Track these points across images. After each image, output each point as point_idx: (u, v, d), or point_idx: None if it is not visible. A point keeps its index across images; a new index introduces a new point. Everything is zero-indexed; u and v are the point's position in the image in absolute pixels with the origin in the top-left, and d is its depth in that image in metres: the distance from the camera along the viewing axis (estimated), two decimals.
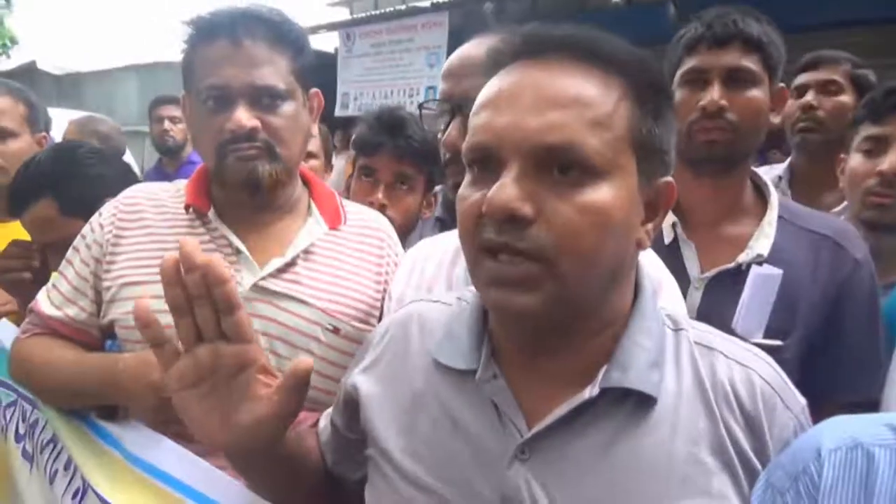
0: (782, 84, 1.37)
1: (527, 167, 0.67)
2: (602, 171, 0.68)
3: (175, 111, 4.08)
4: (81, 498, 1.16)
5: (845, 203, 1.99)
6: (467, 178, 0.74)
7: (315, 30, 7.98)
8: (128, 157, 3.28)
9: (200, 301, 0.68)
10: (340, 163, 7.46)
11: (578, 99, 0.68)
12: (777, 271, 1.23)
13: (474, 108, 0.75)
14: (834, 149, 1.93)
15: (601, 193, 0.67)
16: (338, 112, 7.89)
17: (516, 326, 0.75)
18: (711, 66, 1.31)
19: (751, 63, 1.30)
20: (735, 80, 1.30)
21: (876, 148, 1.54)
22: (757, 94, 1.31)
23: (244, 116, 1.14)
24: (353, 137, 1.87)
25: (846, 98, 2.10)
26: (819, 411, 0.79)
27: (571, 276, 0.67)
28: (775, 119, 1.37)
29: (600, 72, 0.70)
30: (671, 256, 1.27)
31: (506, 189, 0.66)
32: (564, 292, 0.68)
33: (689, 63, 1.34)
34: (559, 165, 0.67)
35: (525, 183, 0.67)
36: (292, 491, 0.91)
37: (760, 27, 1.31)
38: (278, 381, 0.74)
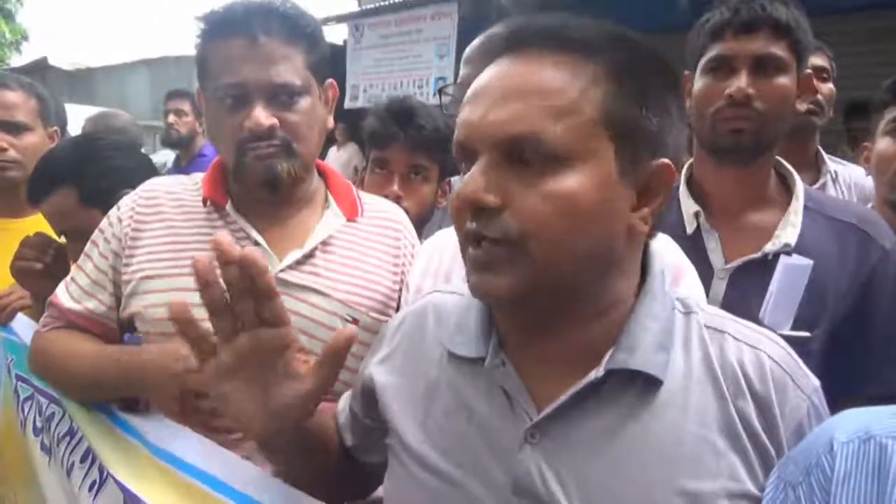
0: (809, 70, 1.33)
1: (494, 158, 0.70)
2: (566, 158, 0.68)
3: (181, 104, 4.11)
4: (98, 491, 1.17)
5: (818, 184, 2.07)
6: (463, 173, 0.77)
7: (324, 22, 7.97)
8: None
9: (240, 294, 0.70)
10: (344, 156, 7.48)
11: (539, 89, 0.69)
12: (807, 261, 1.21)
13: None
14: (811, 130, 2.15)
15: (568, 181, 0.68)
16: (347, 104, 7.89)
17: (498, 309, 0.78)
18: (738, 53, 1.27)
19: (779, 50, 1.26)
20: (763, 67, 1.26)
21: None
22: (784, 81, 1.28)
23: (262, 115, 1.14)
24: (364, 130, 1.85)
25: (831, 85, 2.25)
26: (847, 404, 0.77)
27: (543, 261, 0.69)
28: (801, 106, 1.33)
29: (572, 58, 0.71)
30: (694, 247, 1.25)
31: (471, 180, 0.70)
32: (537, 276, 0.69)
33: (715, 50, 1.30)
34: (524, 155, 0.69)
35: (492, 174, 0.70)
36: (315, 471, 0.93)
37: (788, 11, 1.27)
38: (316, 357, 0.76)
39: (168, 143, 4.24)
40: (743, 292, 1.25)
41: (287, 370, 0.74)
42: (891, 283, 1.28)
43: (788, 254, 1.25)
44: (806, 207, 1.31)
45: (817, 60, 2.17)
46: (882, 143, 1.57)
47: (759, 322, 1.17)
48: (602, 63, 0.71)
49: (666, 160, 0.73)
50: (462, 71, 1.14)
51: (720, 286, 1.29)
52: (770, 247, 1.27)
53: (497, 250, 0.69)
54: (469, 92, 0.75)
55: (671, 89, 0.76)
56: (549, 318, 0.75)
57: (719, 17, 1.30)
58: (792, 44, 1.27)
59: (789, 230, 1.28)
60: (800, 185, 1.34)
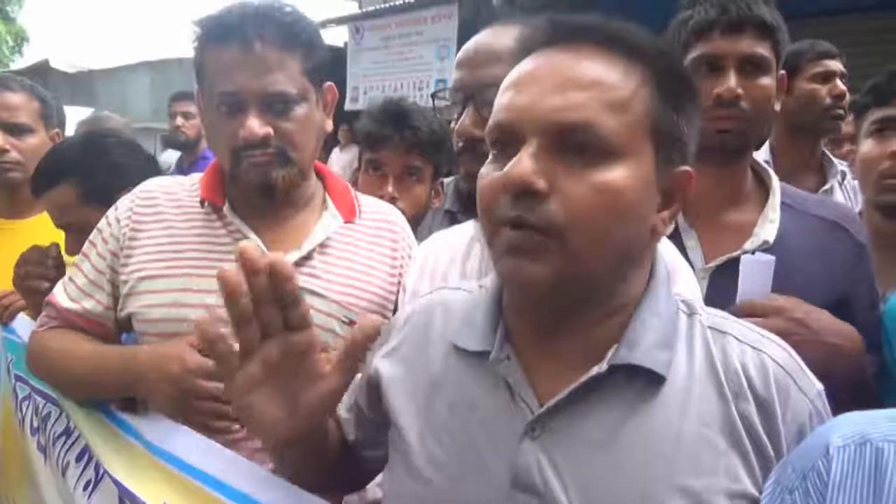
0: (782, 71, 1.34)
1: (544, 144, 0.70)
2: (616, 152, 0.69)
3: (188, 107, 4.10)
4: (92, 490, 1.18)
5: (826, 187, 2.09)
6: (490, 158, 0.76)
7: (324, 24, 7.99)
8: None
9: (266, 302, 0.67)
10: (346, 157, 7.49)
11: (598, 81, 0.71)
12: (769, 257, 1.19)
13: (500, 90, 0.77)
14: (819, 133, 2.20)
15: (614, 174, 0.69)
16: (348, 106, 7.92)
17: (525, 298, 0.77)
18: (726, 52, 1.26)
19: (764, 50, 1.26)
20: (749, 67, 1.26)
21: (886, 130, 1.51)
22: (769, 81, 1.28)
23: (256, 125, 1.14)
24: (359, 131, 1.86)
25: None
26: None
27: (579, 253, 0.69)
28: (776, 106, 1.33)
29: (622, 58, 0.73)
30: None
31: (522, 163, 0.68)
32: (572, 268, 0.70)
33: (701, 49, 1.29)
34: (575, 144, 0.69)
35: (541, 159, 0.69)
36: (318, 471, 0.93)
37: (771, 12, 1.27)
38: (339, 351, 0.74)
39: (174, 145, 4.21)
40: (724, 291, 1.23)
41: (312, 372, 0.73)
42: (868, 278, 1.31)
43: (767, 251, 1.23)
44: (785, 204, 1.31)
45: (839, 66, 2.20)
46: (865, 146, 1.55)
47: None
48: (648, 67, 0.73)
49: (688, 168, 0.77)
50: (455, 74, 1.13)
51: (701, 286, 1.26)
52: (749, 245, 1.26)
53: (537, 237, 0.69)
54: (513, 78, 0.75)
55: (695, 101, 0.78)
56: (566, 315, 0.76)
57: (705, 15, 1.28)
58: (774, 44, 1.28)
59: (768, 227, 1.27)
60: (776, 182, 1.34)
